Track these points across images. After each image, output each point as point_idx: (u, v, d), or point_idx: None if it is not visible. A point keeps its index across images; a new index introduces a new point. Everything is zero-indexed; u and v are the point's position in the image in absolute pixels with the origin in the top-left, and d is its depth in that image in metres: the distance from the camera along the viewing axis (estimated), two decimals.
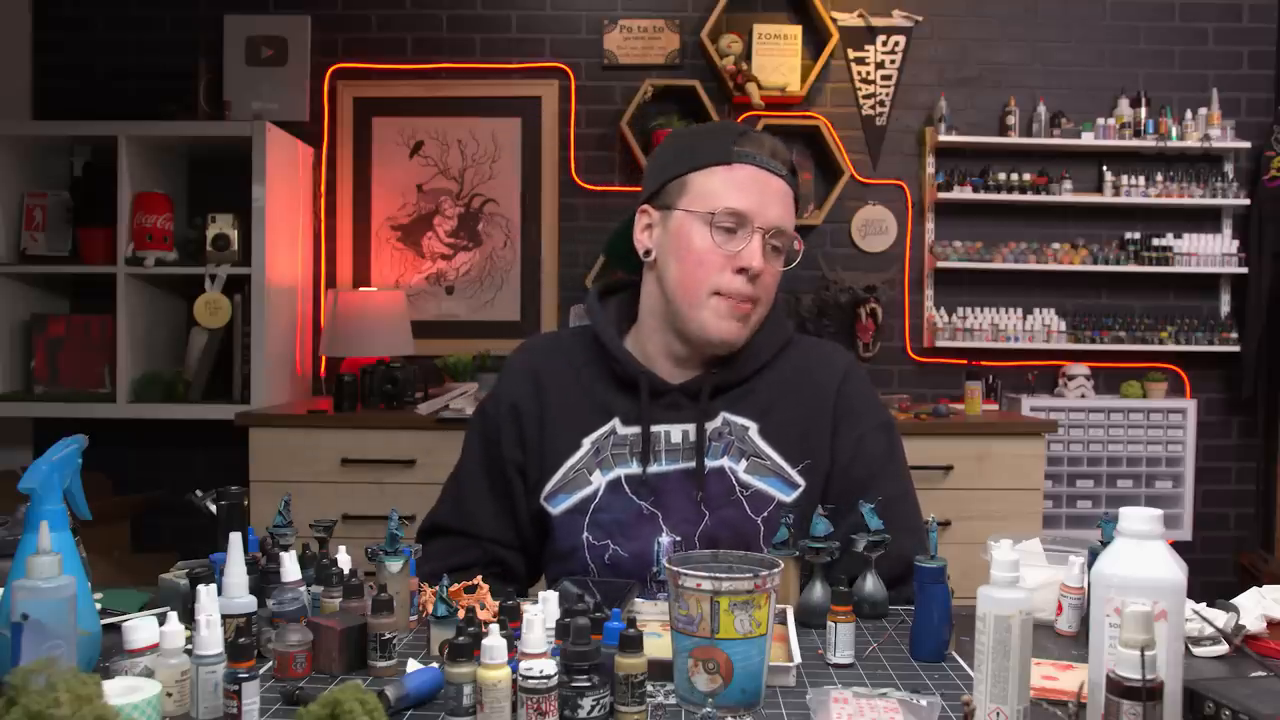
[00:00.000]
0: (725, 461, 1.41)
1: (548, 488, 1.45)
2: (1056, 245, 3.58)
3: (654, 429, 1.42)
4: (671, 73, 3.57)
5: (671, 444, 1.42)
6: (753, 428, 1.42)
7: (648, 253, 1.45)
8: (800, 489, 1.41)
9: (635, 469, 1.41)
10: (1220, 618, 1.17)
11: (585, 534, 1.42)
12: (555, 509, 1.44)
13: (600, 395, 1.46)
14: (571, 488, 1.43)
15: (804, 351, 1.50)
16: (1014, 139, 3.54)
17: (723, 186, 1.37)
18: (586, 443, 1.44)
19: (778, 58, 3.53)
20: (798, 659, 1.06)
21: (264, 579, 1.20)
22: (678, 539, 1.39)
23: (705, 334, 1.39)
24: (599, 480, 1.42)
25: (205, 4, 3.61)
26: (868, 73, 3.63)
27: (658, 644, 1.07)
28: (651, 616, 1.23)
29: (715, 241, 1.37)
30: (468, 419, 1.75)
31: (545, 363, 1.51)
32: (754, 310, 1.40)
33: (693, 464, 1.40)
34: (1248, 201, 3.54)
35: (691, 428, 1.41)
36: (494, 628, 0.92)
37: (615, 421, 1.44)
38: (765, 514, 1.39)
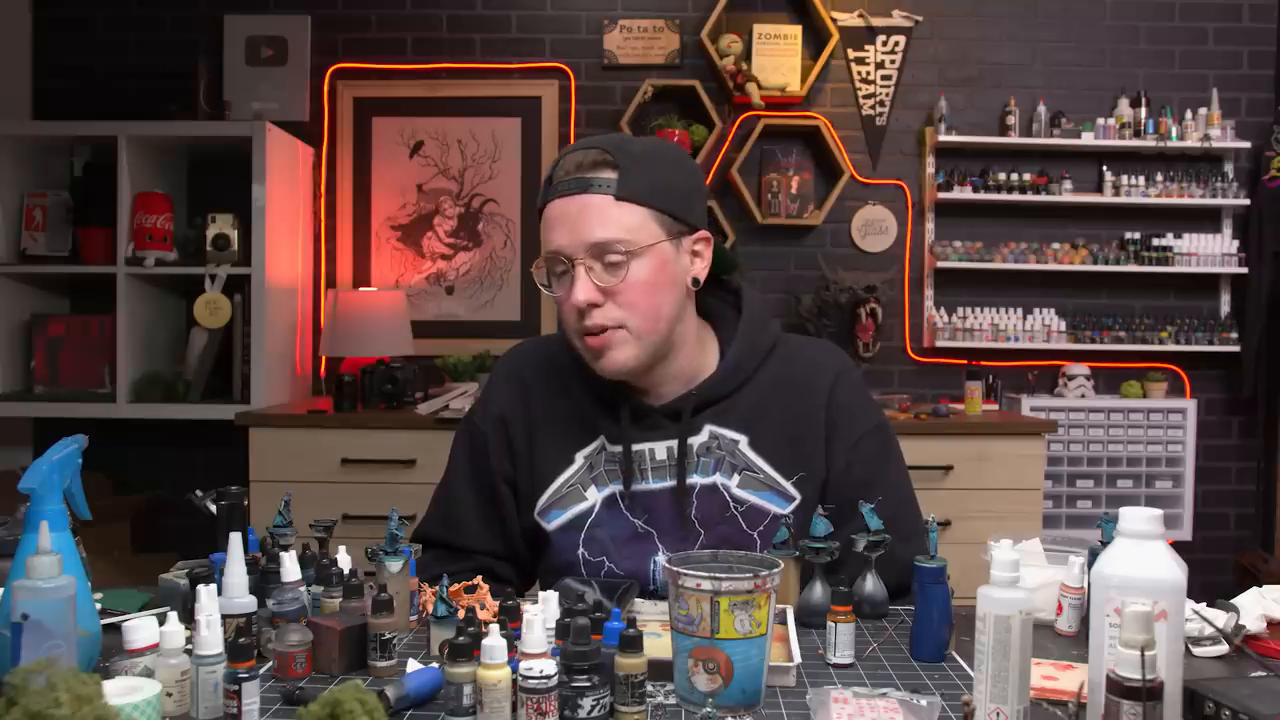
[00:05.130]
0: (717, 478, 1.38)
1: (540, 503, 1.42)
2: (1056, 245, 3.57)
3: (638, 447, 1.39)
4: (671, 73, 3.57)
5: (657, 461, 1.39)
6: (742, 440, 1.39)
7: None
8: (796, 502, 1.37)
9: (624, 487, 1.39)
10: (1220, 618, 1.17)
11: (580, 550, 1.39)
12: (549, 525, 1.41)
13: (587, 411, 1.42)
14: (565, 503, 1.41)
15: (792, 354, 1.44)
16: (1014, 139, 3.54)
17: (544, 233, 1.33)
18: (580, 458, 1.41)
19: (778, 58, 3.52)
20: (798, 659, 1.06)
21: (264, 579, 1.20)
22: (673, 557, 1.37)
23: (602, 375, 1.36)
24: (594, 496, 1.40)
25: (205, 4, 3.61)
26: (868, 73, 3.62)
27: (658, 644, 1.07)
28: (651, 616, 1.23)
29: (554, 289, 1.34)
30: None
31: (532, 373, 1.48)
32: (615, 334, 1.31)
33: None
34: (1248, 201, 3.54)
35: (675, 444, 1.38)
36: (494, 628, 0.92)
37: (603, 438, 1.41)
38: (761, 529, 1.37)
